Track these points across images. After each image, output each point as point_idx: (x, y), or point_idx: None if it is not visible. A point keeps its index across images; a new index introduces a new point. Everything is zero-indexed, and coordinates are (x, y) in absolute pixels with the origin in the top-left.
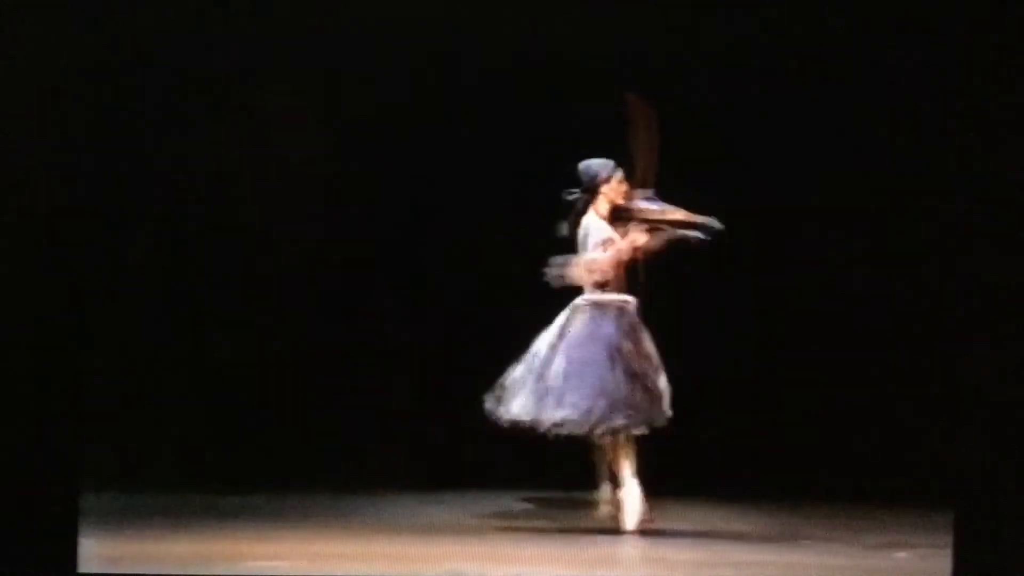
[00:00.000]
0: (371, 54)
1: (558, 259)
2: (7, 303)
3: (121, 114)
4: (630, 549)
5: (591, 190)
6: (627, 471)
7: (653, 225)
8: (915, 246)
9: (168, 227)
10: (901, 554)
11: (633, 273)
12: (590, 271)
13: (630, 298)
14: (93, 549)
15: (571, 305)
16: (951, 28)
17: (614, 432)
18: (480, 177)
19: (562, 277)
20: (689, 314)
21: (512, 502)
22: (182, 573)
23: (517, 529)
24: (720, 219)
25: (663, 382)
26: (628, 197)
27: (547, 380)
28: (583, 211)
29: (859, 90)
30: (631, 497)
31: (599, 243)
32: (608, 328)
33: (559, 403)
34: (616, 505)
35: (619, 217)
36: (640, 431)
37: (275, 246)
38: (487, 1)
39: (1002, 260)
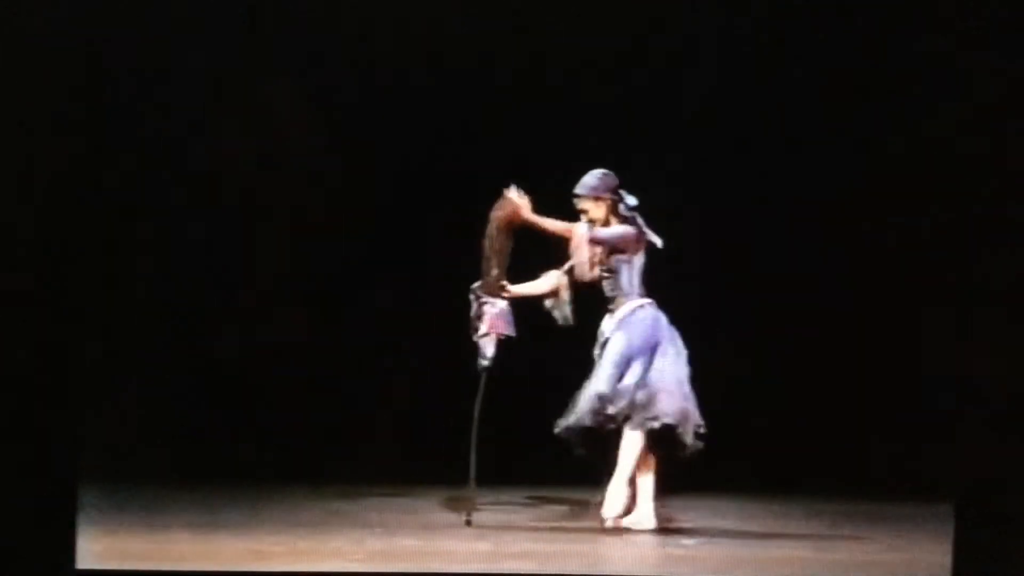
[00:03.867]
0: (369, 56)
1: None
2: (4, 298)
3: (118, 107)
4: (628, 546)
5: None
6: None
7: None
8: (916, 244)
9: (166, 221)
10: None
11: None
12: None
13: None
14: (91, 545)
15: None
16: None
17: None
18: (481, 177)
19: None
20: (688, 311)
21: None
22: (181, 569)
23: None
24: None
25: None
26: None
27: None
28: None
29: (857, 89)
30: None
31: None
32: None
33: None
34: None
35: None
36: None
37: (273, 241)
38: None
39: (1002, 256)
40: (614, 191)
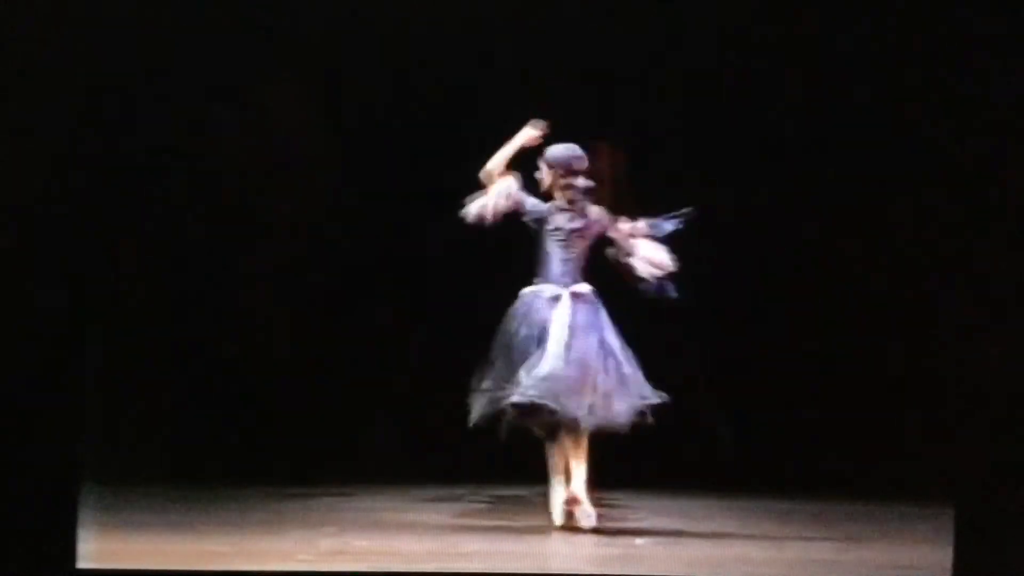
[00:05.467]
0: (368, 56)
1: None
2: (5, 298)
3: (120, 108)
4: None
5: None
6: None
7: None
8: (915, 241)
9: (167, 221)
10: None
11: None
12: None
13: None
14: (92, 545)
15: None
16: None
17: None
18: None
19: None
20: (688, 307)
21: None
22: (181, 569)
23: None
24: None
25: None
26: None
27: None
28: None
29: (854, 86)
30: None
31: None
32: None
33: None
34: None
35: None
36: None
37: (273, 242)
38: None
39: (1002, 255)
40: (564, 166)
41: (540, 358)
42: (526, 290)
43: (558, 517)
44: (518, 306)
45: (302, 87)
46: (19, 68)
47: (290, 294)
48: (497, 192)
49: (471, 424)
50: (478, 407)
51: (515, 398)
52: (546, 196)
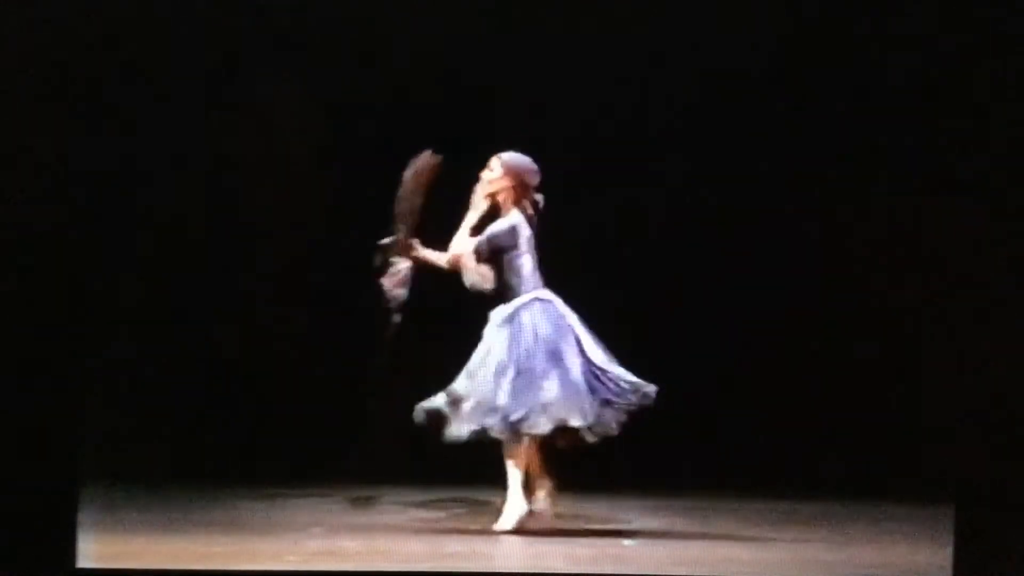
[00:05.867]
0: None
1: None
2: (4, 298)
3: (119, 107)
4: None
5: None
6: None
7: None
8: (915, 240)
9: (167, 220)
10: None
11: None
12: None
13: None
14: (91, 545)
15: None
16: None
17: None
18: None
19: None
20: (691, 306)
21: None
22: (181, 569)
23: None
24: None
25: None
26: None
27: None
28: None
29: (850, 87)
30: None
31: None
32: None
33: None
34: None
35: None
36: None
37: (273, 242)
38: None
39: (1002, 255)
40: (523, 181)
41: (616, 364)
42: (526, 297)
43: (513, 522)
44: (536, 316)
45: (299, 89)
46: (19, 69)
47: (286, 297)
48: (471, 266)
49: (533, 437)
50: (543, 421)
51: (634, 399)
52: (493, 199)
